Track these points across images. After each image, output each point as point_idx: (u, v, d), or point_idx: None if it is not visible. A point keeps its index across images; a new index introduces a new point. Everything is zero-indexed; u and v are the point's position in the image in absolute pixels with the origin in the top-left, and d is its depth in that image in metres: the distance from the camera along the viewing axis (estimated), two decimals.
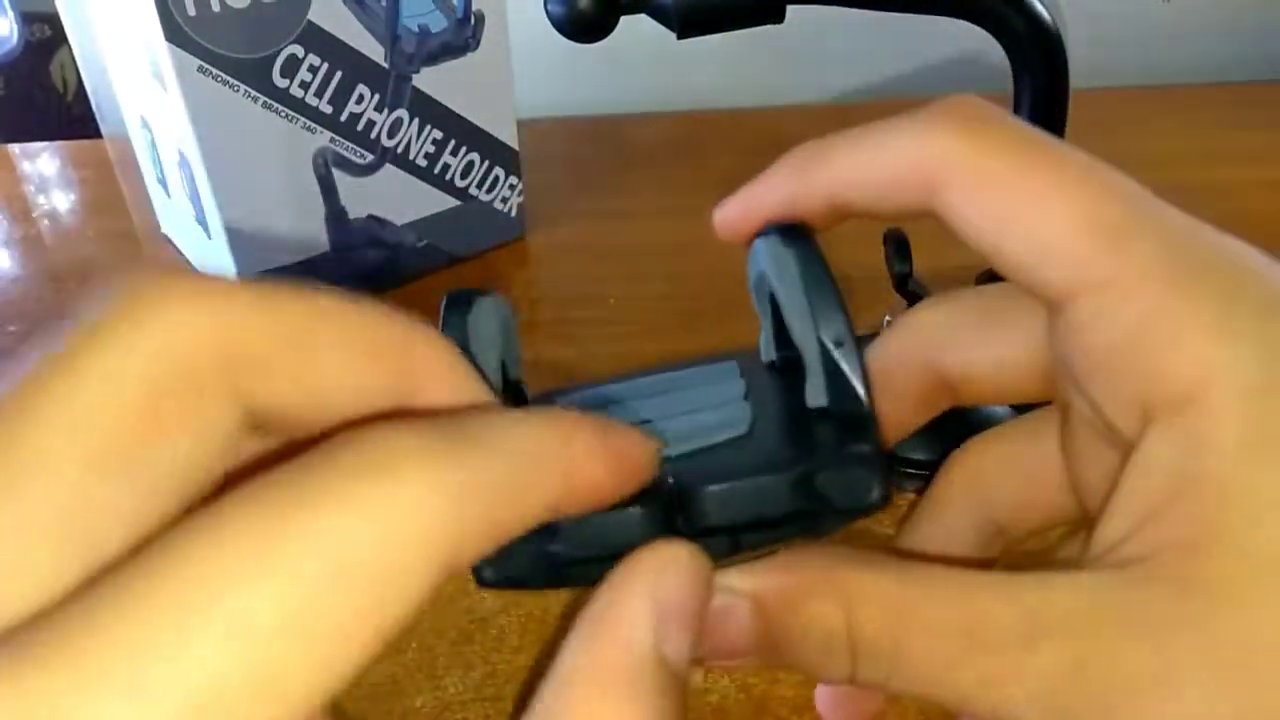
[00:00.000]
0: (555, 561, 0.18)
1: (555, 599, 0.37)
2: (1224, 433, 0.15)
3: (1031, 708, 0.15)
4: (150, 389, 0.12)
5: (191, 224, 0.53)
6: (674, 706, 0.14)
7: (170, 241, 0.60)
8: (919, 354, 0.21)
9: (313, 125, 0.49)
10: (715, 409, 0.21)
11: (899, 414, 0.20)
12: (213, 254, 0.52)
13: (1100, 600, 0.15)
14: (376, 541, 0.12)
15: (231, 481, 0.12)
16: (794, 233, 0.20)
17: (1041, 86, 0.39)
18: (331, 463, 0.12)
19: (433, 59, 0.51)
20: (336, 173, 0.51)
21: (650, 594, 0.15)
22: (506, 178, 0.57)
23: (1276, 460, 0.15)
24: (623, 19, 0.37)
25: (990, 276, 0.40)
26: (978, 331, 0.20)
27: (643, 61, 0.76)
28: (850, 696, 0.22)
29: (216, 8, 0.44)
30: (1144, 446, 0.16)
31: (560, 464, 0.14)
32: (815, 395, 0.19)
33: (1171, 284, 0.16)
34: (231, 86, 0.46)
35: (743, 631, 0.17)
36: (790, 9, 0.38)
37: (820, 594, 0.17)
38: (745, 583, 0.17)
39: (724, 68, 0.76)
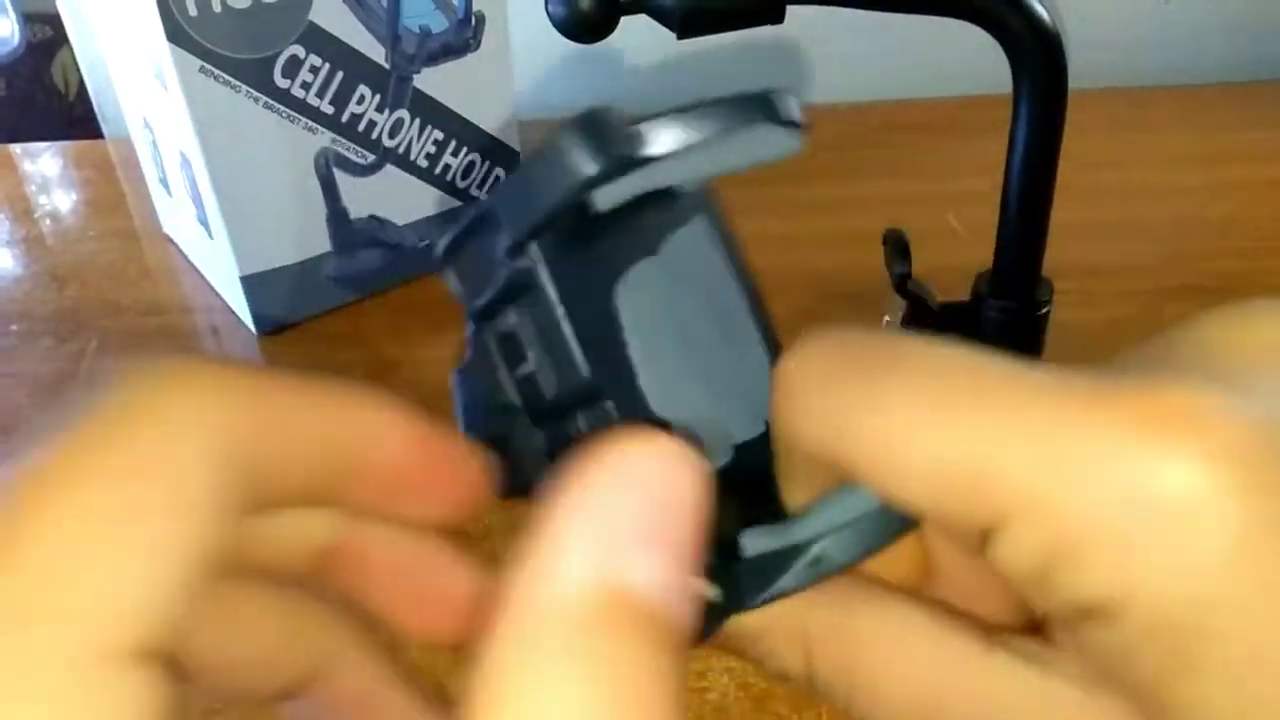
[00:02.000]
0: None
1: None
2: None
3: None
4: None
5: (193, 224, 0.54)
6: (653, 653, 0.11)
7: (171, 241, 0.60)
8: None
9: (314, 125, 0.49)
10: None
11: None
12: (214, 254, 0.53)
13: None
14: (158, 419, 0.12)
15: None
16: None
17: (1041, 87, 0.39)
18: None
19: (433, 59, 0.52)
20: (338, 173, 0.51)
21: (590, 510, 0.12)
22: (507, 178, 0.57)
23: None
24: (623, 19, 0.37)
25: (988, 282, 0.40)
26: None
27: (643, 62, 0.76)
28: None
29: (218, 8, 0.44)
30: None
31: (357, 429, 0.15)
32: None
33: (1068, 507, 0.13)
34: (233, 87, 0.46)
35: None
36: (790, 10, 0.38)
37: (782, 634, 0.17)
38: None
39: (724, 68, 0.76)
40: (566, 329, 0.17)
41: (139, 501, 0.12)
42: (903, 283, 0.41)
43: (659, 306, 0.18)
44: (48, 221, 0.65)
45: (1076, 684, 0.15)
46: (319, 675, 0.16)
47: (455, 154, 0.55)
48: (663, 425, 0.17)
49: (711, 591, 0.16)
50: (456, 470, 0.16)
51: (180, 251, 0.59)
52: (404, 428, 0.16)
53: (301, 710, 0.17)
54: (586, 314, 0.17)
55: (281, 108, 0.48)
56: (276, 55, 0.47)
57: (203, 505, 0.12)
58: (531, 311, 0.18)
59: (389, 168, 0.53)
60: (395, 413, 0.16)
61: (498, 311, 0.19)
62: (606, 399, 0.17)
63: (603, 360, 0.17)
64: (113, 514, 0.12)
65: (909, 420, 0.13)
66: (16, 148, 0.72)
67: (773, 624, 0.16)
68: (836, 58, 0.75)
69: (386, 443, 0.16)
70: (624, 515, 0.12)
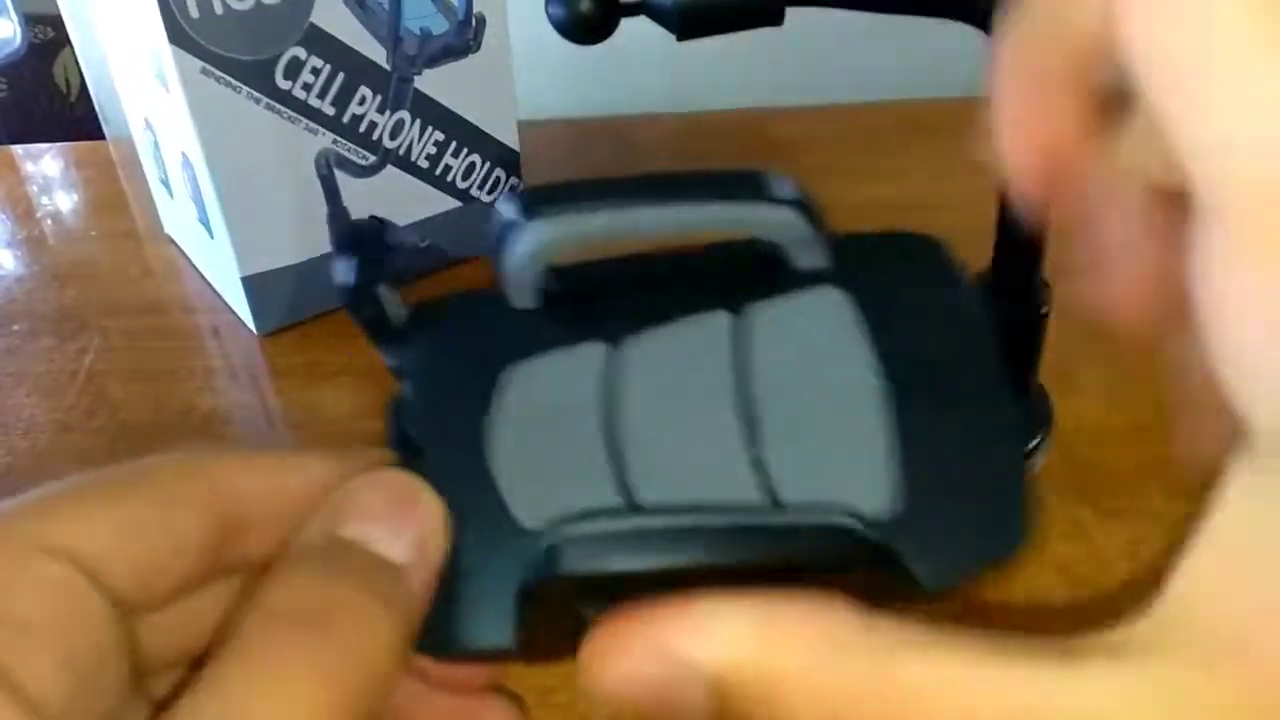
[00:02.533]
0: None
1: None
2: None
3: None
4: None
5: (194, 224, 0.54)
6: (386, 585, 0.16)
7: (173, 242, 0.60)
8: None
9: (315, 127, 0.49)
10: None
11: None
12: (215, 254, 0.53)
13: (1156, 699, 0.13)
14: None
15: None
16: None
17: None
18: None
19: (434, 61, 0.52)
20: (339, 174, 0.51)
21: (326, 507, 0.18)
22: (508, 179, 0.58)
23: None
24: (623, 21, 0.37)
25: (987, 282, 0.41)
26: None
27: (643, 63, 0.76)
28: None
29: (219, 10, 0.44)
30: (1227, 490, 0.14)
31: (322, 479, 0.19)
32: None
33: None
34: (234, 88, 0.46)
35: (692, 699, 0.15)
36: (789, 11, 0.39)
37: (802, 691, 0.15)
38: (704, 658, 0.15)
39: (724, 69, 0.76)
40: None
41: (122, 490, 0.17)
42: None
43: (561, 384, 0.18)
44: (49, 222, 0.65)
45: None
46: None
47: (456, 155, 0.55)
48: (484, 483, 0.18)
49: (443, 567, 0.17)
50: (413, 507, 0.19)
51: (181, 252, 0.60)
52: (365, 477, 0.19)
53: None
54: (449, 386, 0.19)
55: (283, 109, 0.48)
56: (278, 57, 0.47)
57: (165, 508, 0.17)
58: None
59: (390, 169, 0.53)
60: (361, 465, 0.19)
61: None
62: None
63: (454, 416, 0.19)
64: (101, 489, 0.17)
65: None
66: (18, 148, 0.72)
67: (781, 698, 0.15)
68: (835, 59, 0.75)
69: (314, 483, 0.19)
70: (369, 504, 0.18)
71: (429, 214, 0.55)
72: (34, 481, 0.17)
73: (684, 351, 0.18)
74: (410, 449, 0.19)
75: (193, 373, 0.51)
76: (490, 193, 0.57)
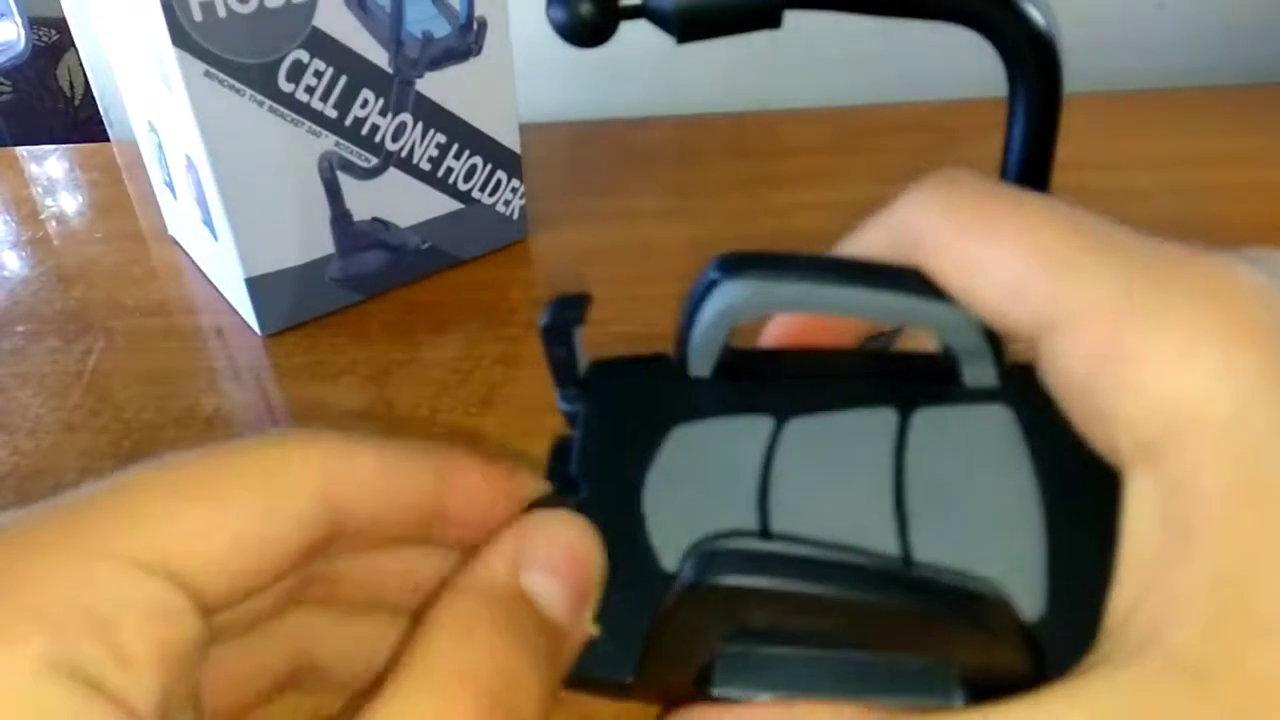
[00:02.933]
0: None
1: None
2: (1205, 480, 0.15)
3: None
4: None
5: (198, 226, 0.54)
6: (547, 648, 0.16)
7: (177, 244, 0.61)
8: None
9: (318, 129, 0.50)
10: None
11: None
12: (219, 256, 0.53)
13: (1116, 712, 0.14)
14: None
15: None
16: None
17: (1036, 91, 0.40)
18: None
19: (436, 64, 0.52)
20: (341, 176, 0.52)
21: (511, 542, 0.18)
22: (509, 181, 0.58)
23: (1267, 507, 0.14)
24: (623, 24, 0.38)
25: None
26: None
27: (643, 66, 0.76)
28: None
29: (222, 13, 0.45)
30: (1130, 497, 0.16)
31: (431, 479, 0.18)
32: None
33: (1128, 318, 0.16)
34: (238, 91, 0.47)
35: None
36: (788, 14, 0.39)
37: None
38: None
39: (723, 72, 0.76)
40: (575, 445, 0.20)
41: (227, 488, 0.16)
42: None
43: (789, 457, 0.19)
44: (54, 223, 0.65)
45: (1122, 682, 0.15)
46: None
47: (458, 157, 0.55)
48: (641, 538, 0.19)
49: (594, 629, 0.18)
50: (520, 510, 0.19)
51: (185, 254, 0.60)
52: (473, 478, 0.19)
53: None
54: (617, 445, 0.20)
55: (286, 111, 0.48)
56: (281, 59, 0.47)
57: (272, 510, 0.16)
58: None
59: (392, 171, 0.53)
60: (469, 467, 0.19)
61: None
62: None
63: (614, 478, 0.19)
64: (202, 485, 0.16)
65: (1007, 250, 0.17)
66: (23, 150, 0.72)
67: None
68: (833, 61, 0.76)
69: (459, 494, 0.19)
70: (537, 549, 0.18)
71: (431, 216, 0.56)
72: (39, 482, 0.17)
73: (847, 439, 0.19)
74: (567, 484, 0.20)
75: (196, 374, 0.51)
76: (491, 194, 0.58)
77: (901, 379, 0.20)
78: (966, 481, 0.18)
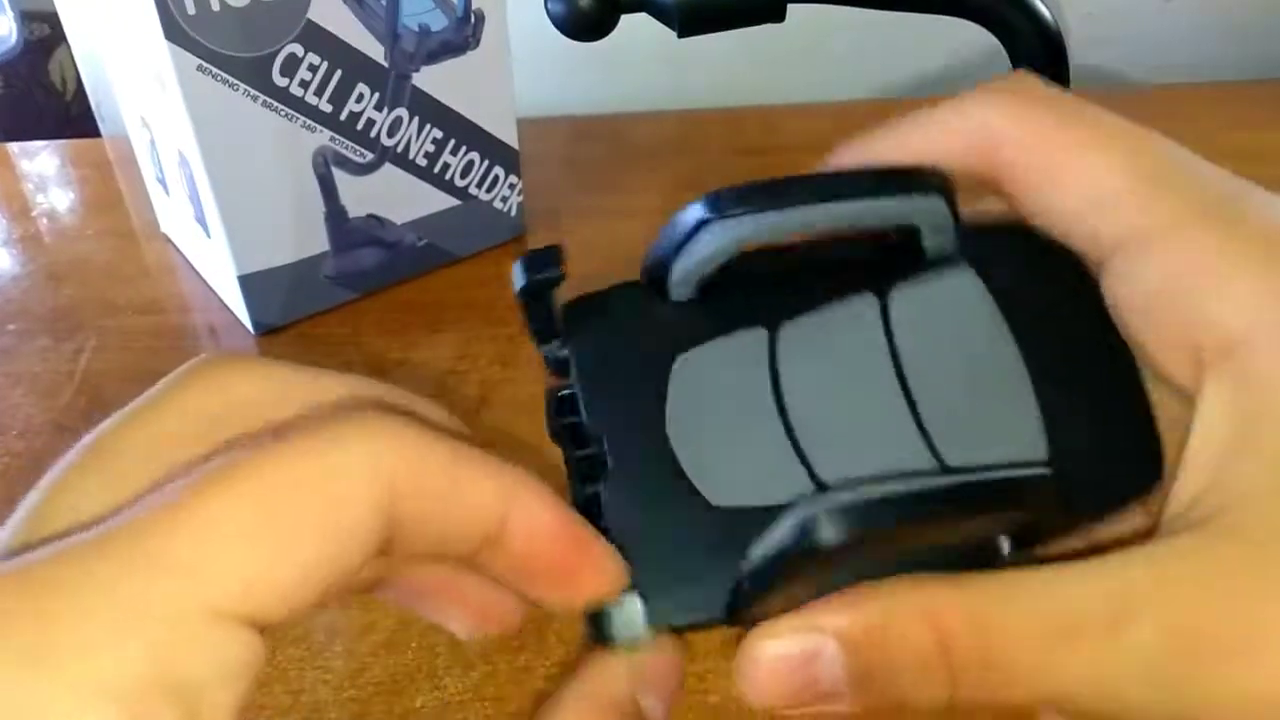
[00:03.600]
0: (741, 592, 0.18)
1: None
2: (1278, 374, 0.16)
3: (1132, 687, 0.15)
4: None
5: (191, 223, 0.53)
6: None
7: (169, 241, 0.60)
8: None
9: (312, 124, 0.49)
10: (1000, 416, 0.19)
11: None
12: (212, 253, 0.52)
13: (1182, 571, 0.16)
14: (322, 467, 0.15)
15: None
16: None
17: None
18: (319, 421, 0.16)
19: (433, 58, 0.51)
20: (336, 172, 0.51)
21: (624, 660, 0.18)
22: (506, 177, 0.57)
23: None
24: (623, 18, 0.37)
25: None
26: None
27: (643, 60, 0.75)
28: None
29: (216, 6, 0.44)
30: (1205, 395, 0.17)
31: (496, 505, 0.17)
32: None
33: (1211, 229, 0.17)
34: (231, 85, 0.46)
35: (834, 671, 0.17)
36: (790, 8, 0.38)
37: (906, 618, 0.17)
38: (830, 621, 0.17)
39: (724, 67, 0.76)
40: (579, 393, 0.20)
41: (294, 515, 0.15)
42: None
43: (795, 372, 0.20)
44: (45, 220, 0.64)
45: (1187, 549, 0.16)
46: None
47: (454, 153, 0.55)
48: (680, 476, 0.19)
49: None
50: (585, 564, 0.18)
51: (178, 251, 0.59)
52: (542, 516, 0.17)
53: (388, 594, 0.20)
54: (621, 384, 0.20)
55: (280, 106, 0.48)
56: (275, 53, 0.47)
57: (339, 534, 0.15)
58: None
59: (387, 166, 0.53)
60: (538, 499, 0.17)
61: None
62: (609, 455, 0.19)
63: (631, 425, 0.19)
64: (268, 516, 0.14)
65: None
66: (14, 146, 0.71)
67: (898, 613, 0.17)
68: (837, 56, 0.75)
69: (521, 527, 0.17)
70: (645, 666, 0.18)
71: (427, 212, 0.55)
72: (30, 484, 0.16)
73: (839, 335, 0.20)
74: (579, 440, 0.20)
75: None
76: (489, 191, 0.57)
77: (869, 259, 0.21)
78: (958, 357, 0.20)
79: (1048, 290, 0.20)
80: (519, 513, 0.17)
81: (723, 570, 0.18)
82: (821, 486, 0.19)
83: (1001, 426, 0.19)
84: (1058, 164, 0.18)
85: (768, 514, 0.18)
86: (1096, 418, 0.20)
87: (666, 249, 0.20)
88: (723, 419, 0.19)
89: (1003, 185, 0.19)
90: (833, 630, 0.17)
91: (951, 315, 0.20)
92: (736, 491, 0.19)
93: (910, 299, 0.20)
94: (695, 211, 0.20)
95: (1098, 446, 0.19)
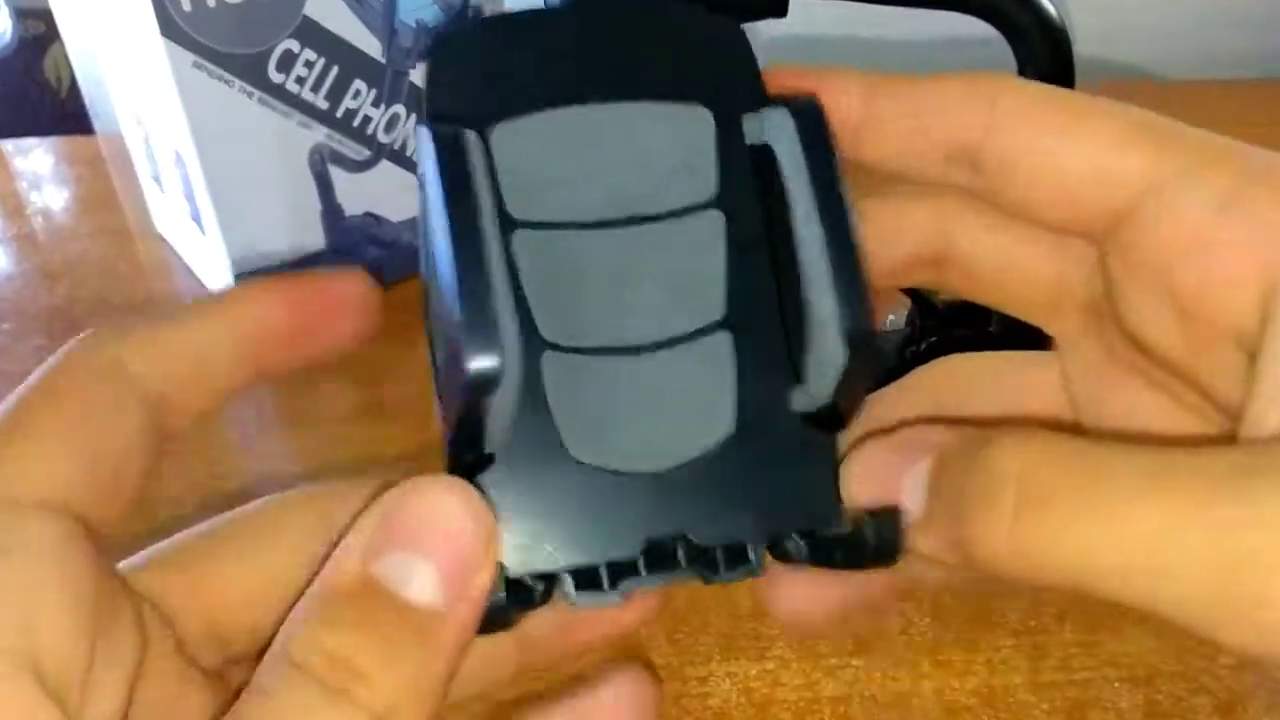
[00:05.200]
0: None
1: None
2: None
3: (1204, 569, 0.13)
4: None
5: (186, 221, 0.53)
6: (412, 638, 0.16)
7: (164, 240, 0.60)
8: (926, 215, 0.20)
9: (309, 121, 0.49)
10: (691, 392, 0.19)
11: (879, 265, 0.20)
12: (207, 251, 0.52)
13: None
14: None
15: None
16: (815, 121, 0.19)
17: (1047, 81, 0.39)
18: None
19: None
20: (333, 169, 0.51)
21: (367, 525, 0.16)
22: None
23: None
24: None
25: None
26: (994, 236, 0.20)
27: None
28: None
29: (211, 3, 0.44)
30: (1273, 330, 0.15)
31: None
32: (808, 395, 0.19)
33: (1245, 165, 0.16)
34: (226, 82, 0.46)
35: (917, 480, 0.17)
36: (794, 3, 0.38)
37: (1001, 438, 0.16)
38: (932, 435, 0.17)
39: None
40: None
41: (64, 416, 0.16)
42: None
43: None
44: (39, 219, 0.64)
45: None
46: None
47: None
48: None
49: (495, 599, 0.17)
50: (343, 303, 0.20)
51: (173, 249, 0.59)
52: (279, 296, 0.19)
53: None
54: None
55: (276, 103, 0.47)
56: (271, 50, 0.46)
57: (108, 414, 0.17)
58: None
59: (384, 164, 0.52)
60: (265, 292, 0.19)
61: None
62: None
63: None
64: (43, 423, 0.16)
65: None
66: (8, 144, 0.71)
67: (994, 435, 0.16)
68: (840, 51, 0.75)
69: (269, 319, 0.19)
70: (402, 530, 0.16)
71: None
72: None
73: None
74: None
75: None
76: None
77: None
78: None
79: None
80: (262, 313, 0.19)
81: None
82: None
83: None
84: (1063, 122, 0.18)
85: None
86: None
87: None
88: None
89: (990, 153, 0.18)
90: (932, 444, 0.17)
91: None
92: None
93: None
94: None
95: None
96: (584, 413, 0.18)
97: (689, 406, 0.19)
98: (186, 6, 0.43)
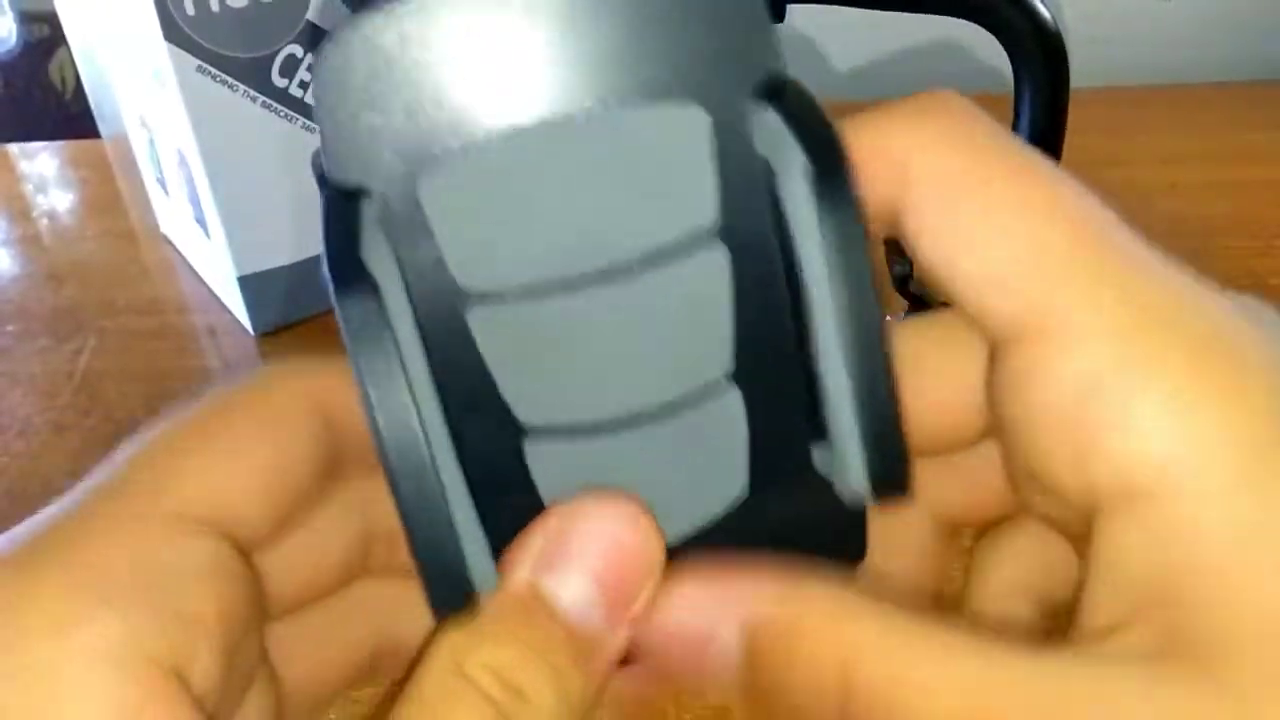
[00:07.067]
0: None
1: None
2: (1210, 532, 0.13)
3: None
4: None
5: (190, 224, 0.53)
6: (569, 658, 0.15)
7: (169, 242, 0.60)
8: None
9: (312, 125, 0.49)
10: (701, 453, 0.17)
11: None
12: (211, 254, 0.52)
13: (1118, 690, 0.13)
14: None
15: None
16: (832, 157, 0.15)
17: (1043, 86, 0.39)
18: None
19: None
20: None
21: (538, 539, 0.16)
22: None
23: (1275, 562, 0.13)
24: None
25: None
26: (917, 377, 0.17)
27: None
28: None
29: (215, 7, 0.44)
30: (1111, 539, 0.14)
31: None
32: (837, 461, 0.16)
33: (1128, 339, 0.14)
34: (230, 86, 0.46)
35: (725, 657, 0.16)
36: (790, 8, 0.38)
37: (820, 639, 0.15)
38: (738, 606, 0.16)
39: None
40: None
41: (234, 429, 0.16)
42: (904, 283, 0.40)
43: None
44: (45, 221, 0.64)
45: (1134, 662, 0.14)
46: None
47: None
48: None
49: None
50: None
51: (177, 252, 0.59)
52: None
53: None
54: None
55: (279, 107, 0.48)
56: (274, 54, 0.47)
57: (278, 440, 0.17)
58: None
59: None
60: None
61: None
62: None
63: None
64: (211, 434, 0.16)
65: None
66: (14, 147, 0.71)
67: (814, 630, 0.15)
68: (837, 56, 0.75)
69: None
70: (565, 548, 0.16)
71: None
72: (29, 484, 0.17)
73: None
74: None
75: (189, 373, 0.51)
76: None
77: None
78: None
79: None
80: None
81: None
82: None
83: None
84: (962, 225, 0.15)
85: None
86: None
87: None
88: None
89: (904, 225, 0.16)
90: (739, 616, 0.16)
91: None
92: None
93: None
94: None
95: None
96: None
97: (698, 475, 0.17)
98: (190, 11, 0.43)
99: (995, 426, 0.17)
